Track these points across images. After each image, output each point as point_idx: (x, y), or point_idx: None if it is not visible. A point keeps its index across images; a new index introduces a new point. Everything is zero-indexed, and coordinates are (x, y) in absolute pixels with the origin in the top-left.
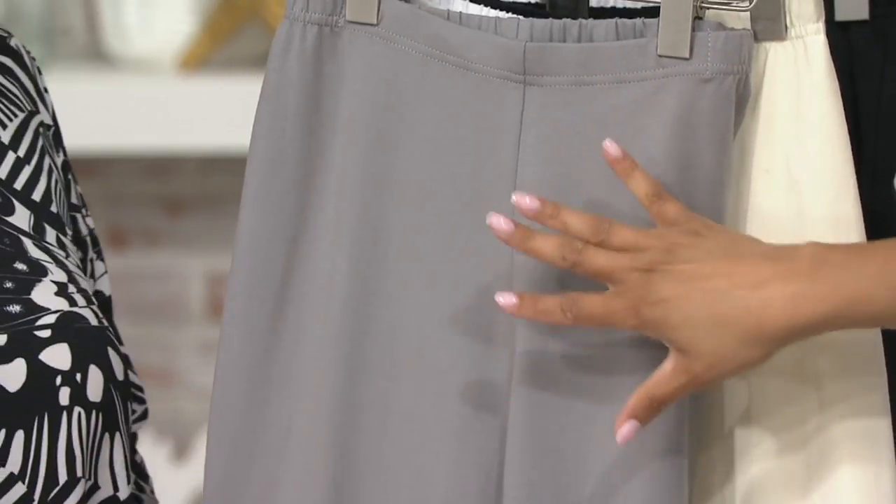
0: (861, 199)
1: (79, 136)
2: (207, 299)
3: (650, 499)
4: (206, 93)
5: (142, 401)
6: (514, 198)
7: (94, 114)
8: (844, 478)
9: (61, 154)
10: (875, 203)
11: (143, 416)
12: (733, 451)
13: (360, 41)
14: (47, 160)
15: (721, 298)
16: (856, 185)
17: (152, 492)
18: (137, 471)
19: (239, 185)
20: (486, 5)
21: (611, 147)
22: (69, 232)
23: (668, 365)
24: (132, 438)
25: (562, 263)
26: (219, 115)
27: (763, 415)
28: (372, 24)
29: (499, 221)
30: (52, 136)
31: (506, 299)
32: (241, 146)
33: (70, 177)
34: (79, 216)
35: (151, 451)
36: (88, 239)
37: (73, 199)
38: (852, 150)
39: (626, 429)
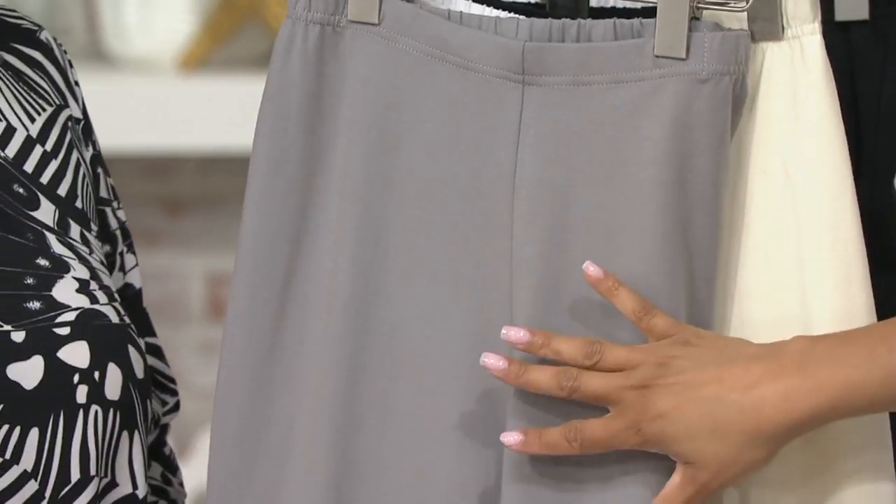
0: (861, 200)
1: None
2: (207, 299)
3: (650, 492)
4: (206, 93)
5: (174, 392)
6: (504, 332)
7: (94, 114)
8: (845, 490)
9: (91, 148)
10: (875, 203)
11: (175, 407)
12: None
13: (362, 41)
14: (75, 154)
15: (716, 405)
16: (853, 186)
17: (181, 484)
18: (166, 463)
19: (239, 185)
20: (487, 5)
21: (591, 269)
22: (94, 228)
23: (676, 477)
24: (162, 430)
25: (560, 393)
26: (219, 115)
27: None
28: (373, 24)
29: (495, 362)
30: (82, 129)
31: (511, 438)
32: (241, 146)
33: (100, 170)
34: (108, 210)
35: None
36: (119, 232)
37: (103, 193)
38: (852, 150)
39: None
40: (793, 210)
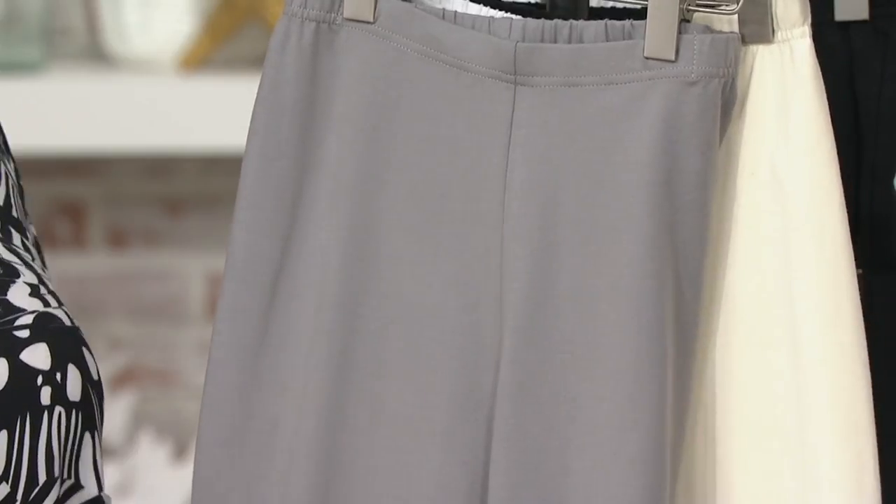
0: (861, 200)
1: (79, 136)
2: (207, 299)
3: (632, 497)
4: (206, 93)
5: None
6: None
7: (94, 114)
8: (828, 472)
9: (11, 161)
10: (875, 203)
11: None
12: (715, 449)
13: (357, 38)
14: (2, 166)
15: None
16: (841, 188)
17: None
18: None
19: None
20: (485, 5)
21: None
22: (29, 236)
23: None
24: None
25: None
26: (219, 115)
27: (746, 414)
28: (369, 22)
29: None
30: (3, 142)
31: None
32: (241, 146)
33: (21, 183)
34: (31, 224)
35: (151, 451)
36: (34, 249)
37: (26, 206)
38: (852, 150)
39: None
40: (781, 212)
